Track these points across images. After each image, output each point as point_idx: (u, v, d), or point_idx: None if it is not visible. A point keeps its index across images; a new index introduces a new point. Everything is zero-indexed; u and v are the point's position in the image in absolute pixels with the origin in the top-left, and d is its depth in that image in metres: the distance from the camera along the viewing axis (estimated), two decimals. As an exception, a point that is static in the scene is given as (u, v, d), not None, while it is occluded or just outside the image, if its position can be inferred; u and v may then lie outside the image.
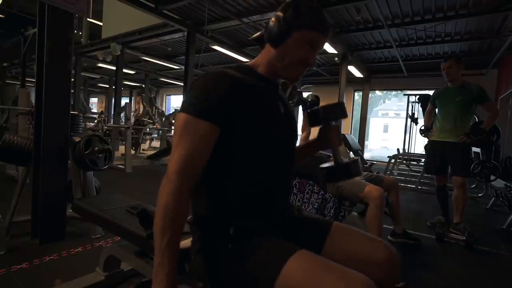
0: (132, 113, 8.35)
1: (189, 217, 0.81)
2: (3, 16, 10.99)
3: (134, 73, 10.96)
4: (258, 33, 0.87)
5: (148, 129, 7.72)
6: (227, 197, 0.76)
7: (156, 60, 8.58)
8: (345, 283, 0.58)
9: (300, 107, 2.35)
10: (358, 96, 9.92)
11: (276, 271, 0.62)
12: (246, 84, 0.76)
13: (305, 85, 10.07)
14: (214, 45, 6.32)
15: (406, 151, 6.41)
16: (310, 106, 2.27)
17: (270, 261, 0.65)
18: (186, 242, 0.83)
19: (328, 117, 0.93)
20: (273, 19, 0.79)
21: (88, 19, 8.55)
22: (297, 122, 0.96)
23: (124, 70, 8.87)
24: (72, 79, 2.50)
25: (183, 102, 0.73)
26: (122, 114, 6.39)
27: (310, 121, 0.94)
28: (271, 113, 0.80)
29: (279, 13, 0.78)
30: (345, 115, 0.92)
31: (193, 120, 0.69)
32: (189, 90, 0.73)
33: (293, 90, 1.92)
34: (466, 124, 2.50)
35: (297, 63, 0.80)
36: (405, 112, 6.59)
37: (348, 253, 0.77)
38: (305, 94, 2.47)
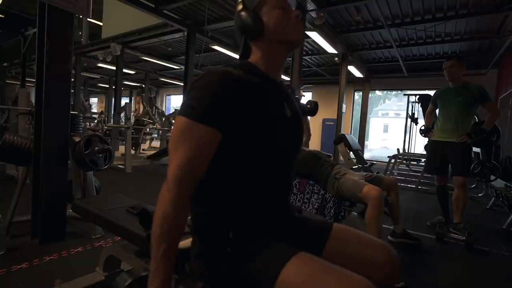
0: (132, 113, 8.35)
1: (188, 219, 0.80)
2: (3, 16, 10.98)
3: (134, 73, 10.96)
4: (239, 52, 0.86)
5: (148, 129, 7.73)
6: (227, 201, 0.74)
7: (156, 60, 8.59)
8: (345, 286, 0.58)
9: None
10: (358, 96, 9.93)
11: (275, 275, 0.62)
12: (250, 84, 0.72)
13: (305, 85, 10.07)
14: (214, 45, 6.32)
15: (406, 151, 6.41)
16: (308, 113, 2.30)
17: (269, 265, 0.64)
18: (186, 242, 0.83)
19: None
20: (240, 18, 0.79)
21: (88, 19, 8.55)
22: (302, 123, 0.89)
23: (124, 70, 8.88)
24: (72, 79, 2.50)
25: (183, 104, 0.68)
26: (122, 114, 6.39)
27: None
28: (275, 116, 0.76)
29: (239, 10, 0.79)
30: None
31: (193, 125, 0.65)
32: (190, 90, 0.69)
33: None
34: (467, 124, 2.50)
35: (289, 25, 0.78)
36: (405, 112, 6.59)
37: (348, 255, 0.77)
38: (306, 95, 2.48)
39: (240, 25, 0.80)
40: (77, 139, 2.11)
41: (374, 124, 25.81)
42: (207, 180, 0.72)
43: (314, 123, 10.42)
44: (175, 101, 14.82)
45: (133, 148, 6.73)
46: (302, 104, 2.27)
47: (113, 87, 9.08)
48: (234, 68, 0.74)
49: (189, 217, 0.79)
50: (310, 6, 4.29)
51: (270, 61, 0.80)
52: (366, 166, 3.22)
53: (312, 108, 2.27)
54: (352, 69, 7.38)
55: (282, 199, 0.84)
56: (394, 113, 26.48)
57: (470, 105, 2.47)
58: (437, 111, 2.73)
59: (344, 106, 7.19)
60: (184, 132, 0.65)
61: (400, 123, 9.27)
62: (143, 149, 8.20)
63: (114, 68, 8.28)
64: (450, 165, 2.57)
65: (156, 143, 9.29)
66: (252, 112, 0.70)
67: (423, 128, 4.25)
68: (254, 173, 0.74)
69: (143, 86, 11.89)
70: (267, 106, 0.75)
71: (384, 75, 8.62)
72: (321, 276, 0.60)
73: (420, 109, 5.54)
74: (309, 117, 2.41)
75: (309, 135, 2.39)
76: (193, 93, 0.68)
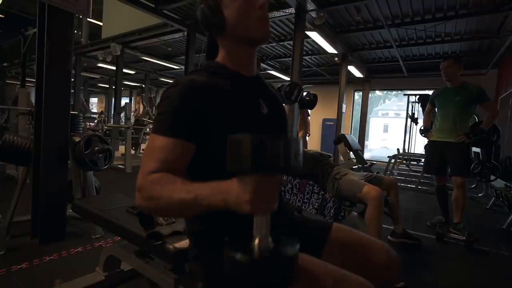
0: (132, 113, 8.34)
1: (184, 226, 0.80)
2: (3, 16, 11.00)
3: (134, 73, 10.95)
4: (204, 49, 0.82)
5: (148, 129, 7.72)
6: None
7: (156, 60, 8.58)
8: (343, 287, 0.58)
9: (297, 106, 2.34)
10: (358, 96, 9.92)
11: None
12: (216, 89, 0.70)
13: (305, 85, 10.06)
14: (214, 45, 6.31)
15: (406, 151, 6.41)
16: (307, 105, 2.30)
17: None
18: (185, 243, 0.83)
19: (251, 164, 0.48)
20: (200, 13, 0.73)
21: (88, 19, 8.55)
22: (285, 119, 0.86)
23: (124, 70, 8.87)
24: (72, 79, 2.50)
25: (153, 121, 0.68)
26: (122, 114, 6.39)
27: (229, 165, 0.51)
28: (248, 116, 0.73)
29: (199, 3, 0.73)
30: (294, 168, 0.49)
31: (160, 139, 0.63)
32: (159, 103, 0.68)
33: (298, 90, 1.98)
34: (466, 124, 2.50)
35: (252, 19, 0.71)
36: (405, 112, 6.59)
37: (348, 255, 0.77)
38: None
39: (201, 20, 0.74)
40: (77, 139, 2.11)
41: (374, 124, 25.80)
42: None
43: (314, 123, 10.42)
44: (175, 101, 14.78)
45: (133, 148, 6.73)
46: (301, 97, 2.27)
47: (113, 87, 9.08)
48: (199, 74, 0.72)
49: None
50: (310, 6, 4.29)
51: (238, 58, 0.76)
52: (366, 166, 3.22)
53: (311, 100, 2.29)
54: (352, 69, 7.38)
55: None
56: (394, 113, 26.46)
57: (468, 105, 2.47)
58: (436, 110, 2.73)
59: (344, 106, 7.18)
60: (151, 147, 0.64)
61: (400, 123, 9.28)
62: (143, 149, 8.19)
63: (114, 68, 8.27)
64: (449, 165, 2.57)
65: (156, 143, 9.27)
66: (221, 116, 0.68)
67: (422, 128, 4.25)
68: None
69: (143, 86, 11.88)
70: (238, 108, 0.72)
71: (384, 75, 8.61)
72: (320, 277, 0.60)
73: (420, 109, 5.54)
74: (309, 111, 2.41)
75: (307, 129, 2.37)
76: (160, 106, 0.67)
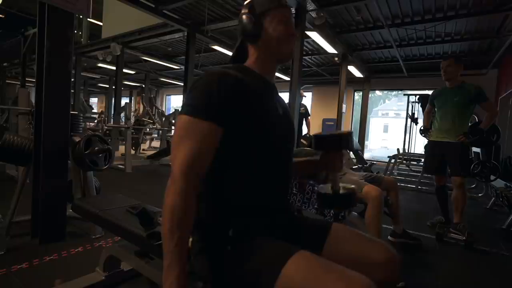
0: (132, 113, 8.35)
1: None
2: (3, 16, 11.01)
3: (134, 73, 10.96)
4: (232, 53, 0.93)
5: (148, 129, 7.72)
6: (225, 198, 0.75)
7: (156, 60, 8.58)
8: (345, 284, 0.58)
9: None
10: (358, 96, 9.92)
11: (276, 272, 0.62)
12: (246, 84, 0.77)
13: (305, 85, 10.06)
14: (214, 45, 6.32)
15: (406, 151, 6.41)
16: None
17: (270, 262, 0.65)
18: (186, 242, 0.83)
19: (332, 146, 0.96)
20: (242, 19, 0.85)
21: (88, 19, 8.55)
22: (293, 123, 0.98)
23: (124, 70, 8.87)
24: (72, 79, 2.50)
25: (184, 104, 0.72)
26: (122, 114, 6.40)
27: (315, 145, 0.95)
28: (269, 114, 0.81)
29: (245, 11, 0.84)
30: (348, 148, 0.95)
31: (194, 121, 0.68)
32: (191, 90, 0.72)
33: None
34: (465, 124, 2.50)
35: (283, 38, 0.84)
36: (405, 112, 6.59)
37: (347, 255, 0.77)
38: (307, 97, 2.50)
39: (242, 26, 0.86)
40: (77, 139, 2.11)
41: (374, 124, 25.81)
42: (207, 176, 0.73)
43: (314, 123, 10.41)
44: (175, 101, 14.82)
45: (133, 148, 6.73)
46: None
47: (113, 87, 9.07)
48: (231, 69, 0.78)
49: None
50: (310, 6, 4.29)
51: (264, 64, 0.87)
52: (366, 166, 3.23)
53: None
54: (352, 69, 7.37)
55: (279, 195, 0.86)
56: (394, 113, 26.47)
57: (467, 105, 2.48)
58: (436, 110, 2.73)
59: (344, 106, 7.19)
60: (187, 129, 0.68)
61: (400, 123, 9.28)
62: (143, 149, 8.20)
63: (114, 68, 8.27)
64: (448, 165, 2.57)
65: (156, 143, 9.28)
66: (248, 109, 0.74)
67: (422, 128, 4.26)
68: (250, 169, 0.76)
69: (143, 86, 11.88)
70: (263, 104, 0.79)
71: (384, 75, 8.60)
72: (322, 274, 0.60)
73: (420, 109, 5.54)
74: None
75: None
76: (193, 92, 0.71)
